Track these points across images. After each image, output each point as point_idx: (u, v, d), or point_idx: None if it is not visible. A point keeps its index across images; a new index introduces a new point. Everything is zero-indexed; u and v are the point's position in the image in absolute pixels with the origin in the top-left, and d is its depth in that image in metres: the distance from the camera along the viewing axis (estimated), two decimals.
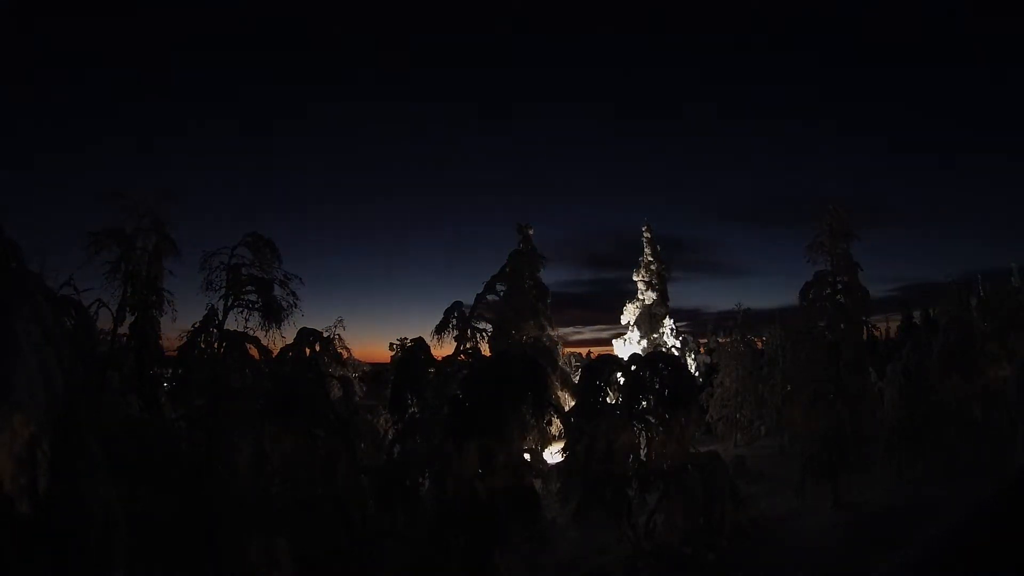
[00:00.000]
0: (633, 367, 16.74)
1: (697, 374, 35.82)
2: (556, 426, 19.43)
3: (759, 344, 34.46)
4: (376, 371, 25.93)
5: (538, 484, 16.83)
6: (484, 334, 22.04)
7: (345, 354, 23.88)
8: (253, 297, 13.25)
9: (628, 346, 34.83)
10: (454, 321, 21.26)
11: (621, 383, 16.72)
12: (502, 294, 23.96)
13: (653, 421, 15.91)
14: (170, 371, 13.42)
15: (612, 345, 36.34)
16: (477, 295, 23.40)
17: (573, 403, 19.46)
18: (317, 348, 14.83)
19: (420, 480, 13.83)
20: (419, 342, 16.26)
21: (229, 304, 13.11)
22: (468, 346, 20.03)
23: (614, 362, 17.53)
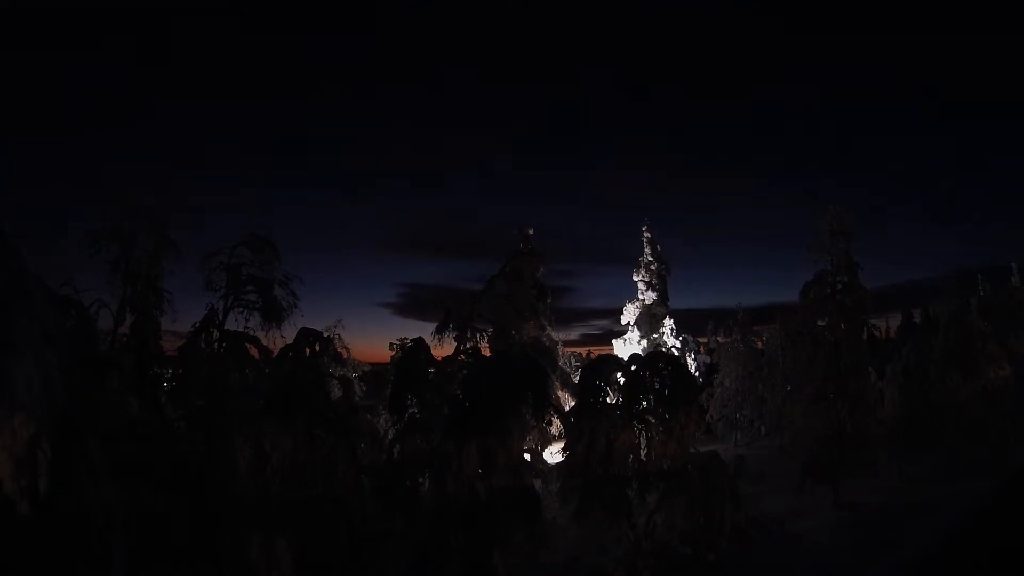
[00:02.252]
0: (633, 367, 16.74)
1: (697, 374, 35.82)
2: (556, 426, 19.42)
3: (759, 344, 34.46)
4: (376, 371, 25.97)
5: (538, 484, 16.87)
6: (484, 334, 22.02)
7: (345, 354, 23.90)
8: (253, 297, 13.29)
9: (628, 346, 34.85)
10: (454, 321, 21.22)
11: (621, 383, 16.72)
12: (502, 294, 23.93)
13: (653, 421, 15.90)
14: (170, 371, 13.43)
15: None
16: (477, 295, 23.37)
17: (573, 403, 19.44)
18: (317, 348, 14.81)
19: (420, 480, 13.82)
20: (419, 342, 16.28)
21: (229, 304, 13.15)
22: (468, 346, 20.01)
23: (614, 362, 17.52)
